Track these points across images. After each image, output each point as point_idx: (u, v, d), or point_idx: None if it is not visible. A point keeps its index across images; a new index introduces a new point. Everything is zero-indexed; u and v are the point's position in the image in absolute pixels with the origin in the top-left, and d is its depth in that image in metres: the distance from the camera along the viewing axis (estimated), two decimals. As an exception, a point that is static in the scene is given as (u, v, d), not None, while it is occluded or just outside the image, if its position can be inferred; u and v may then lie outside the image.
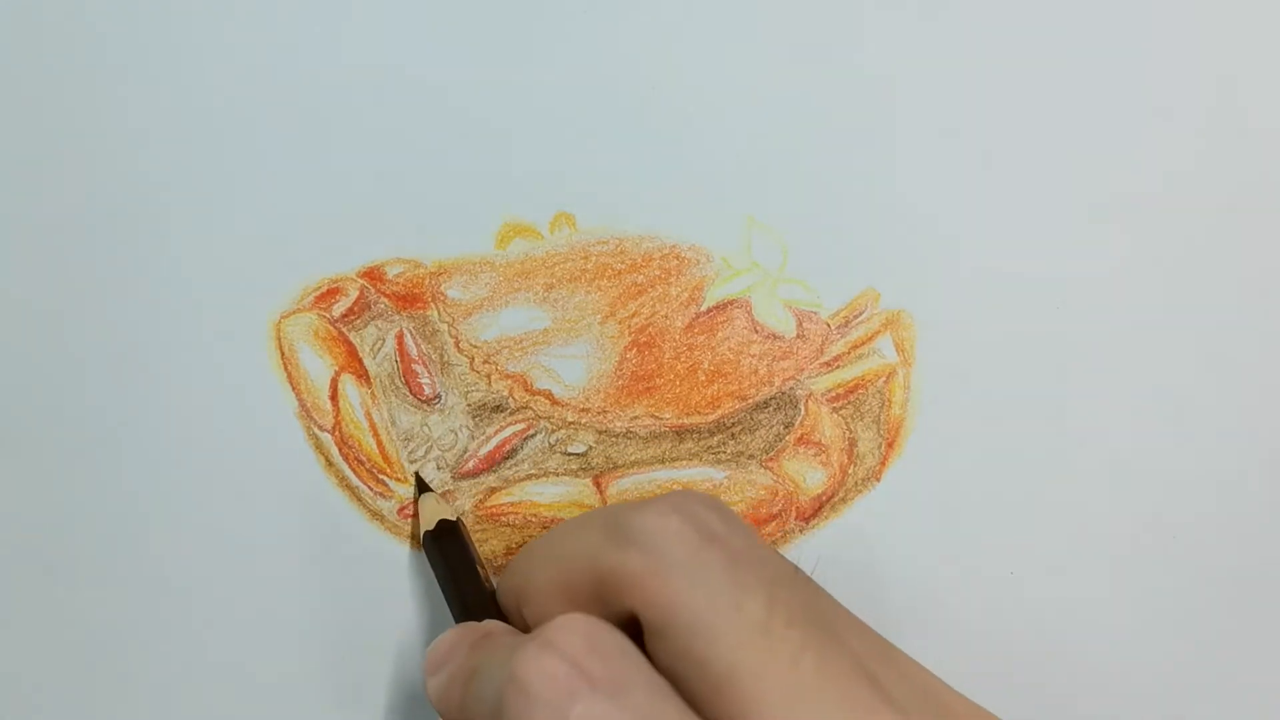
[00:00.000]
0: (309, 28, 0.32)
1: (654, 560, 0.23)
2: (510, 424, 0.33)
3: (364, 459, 0.32)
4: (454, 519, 0.31)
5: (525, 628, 0.27)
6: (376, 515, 0.32)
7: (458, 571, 0.30)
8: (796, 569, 0.25)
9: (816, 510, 0.33)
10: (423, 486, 0.32)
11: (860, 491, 0.33)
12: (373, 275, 0.33)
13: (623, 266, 0.33)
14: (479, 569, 0.30)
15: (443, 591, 0.30)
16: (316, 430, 0.32)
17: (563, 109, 0.33)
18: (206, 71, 0.32)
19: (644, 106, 0.33)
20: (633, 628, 0.24)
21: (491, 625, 0.27)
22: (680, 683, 0.23)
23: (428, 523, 0.31)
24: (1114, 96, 0.33)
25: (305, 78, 0.32)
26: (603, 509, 0.27)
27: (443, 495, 0.32)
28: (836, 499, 0.33)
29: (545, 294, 0.33)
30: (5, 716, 0.32)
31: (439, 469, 0.32)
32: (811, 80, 0.33)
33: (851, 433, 0.33)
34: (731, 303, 0.33)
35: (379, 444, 0.32)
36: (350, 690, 0.32)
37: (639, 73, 0.33)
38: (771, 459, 0.33)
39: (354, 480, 0.32)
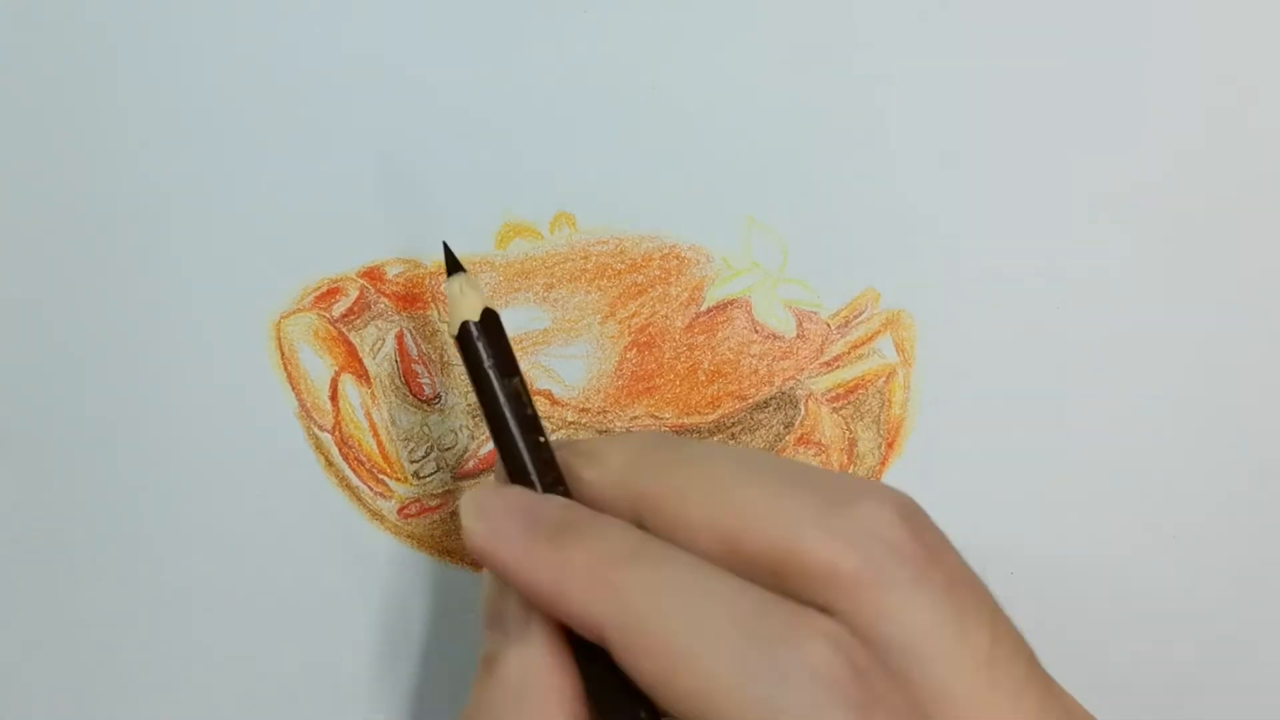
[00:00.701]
0: (309, 27, 0.32)
1: (877, 570, 0.22)
2: (510, 424, 0.33)
3: (364, 459, 0.32)
4: (477, 317, 0.26)
5: (605, 507, 0.24)
6: (376, 515, 0.32)
7: (506, 390, 0.25)
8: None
9: (816, 510, 0.33)
10: (454, 264, 0.27)
11: (860, 491, 0.33)
12: (373, 275, 0.33)
13: (623, 266, 0.33)
14: (523, 391, 0.25)
15: (485, 410, 0.26)
16: (316, 430, 0.32)
17: (563, 109, 0.33)
18: (206, 71, 0.32)
19: (644, 106, 0.33)
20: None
21: (579, 517, 0.23)
22: None
23: (468, 312, 0.26)
24: (1113, 96, 0.33)
25: (305, 78, 0.32)
26: (798, 469, 0.24)
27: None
28: (836, 499, 0.33)
29: (545, 294, 0.33)
30: (5, 717, 0.32)
31: (439, 469, 0.32)
32: (811, 80, 0.33)
33: (851, 433, 0.33)
34: (731, 303, 0.33)
35: (379, 444, 0.32)
36: (351, 690, 0.32)
37: (639, 73, 0.33)
38: (771, 459, 0.33)
39: (354, 480, 0.32)
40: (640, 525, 0.23)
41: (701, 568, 0.22)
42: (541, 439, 0.25)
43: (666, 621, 0.21)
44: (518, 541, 0.23)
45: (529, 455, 0.25)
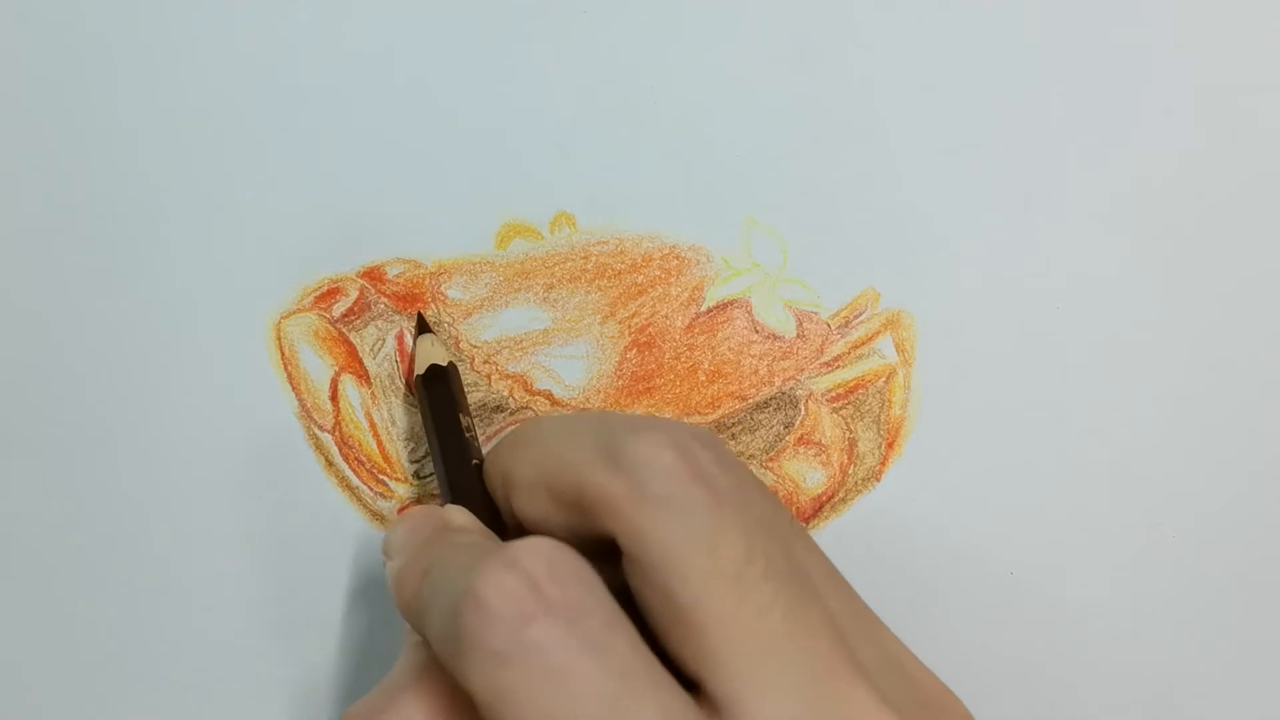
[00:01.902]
0: (309, 27, 0.32)
1: (639, 491, 0.23)
2: (511, 424, 0.33)
3: (364, 459, 0.32)
4: (445, 364, 0.31)
5: (509, 508, 0.27)
6: (377, 515, 0.32)
7: (442, 424, 0.30)
8: (791, 520, 0.25)
9: (816, 510, 0.33)
10: (423, 326, 0.32)
11: (860, 491, 0.33)
12: (373, 275, 0.33)
13: (623, 266, 0.33)
14: (463, 427, 0.30)
15: (428, 442, 0.30)
16: (316, 430, 0.32)
17: (563, 109, 0.33)
18: (206, 72, 0.32)
19: (644, 107, 0.33)
20: (613, 546, 0.24)
21: (453, 515, 0.27)
22: (649, 615, 0.23)
23: (419, 366, 0.31)
24: (1114, 96, 0.33)
25: (305, 78, 0.32)
26: (599, 416, 0.27)
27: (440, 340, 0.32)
28: (836, 499, 0.33)
29: (545, 294, 0.33)
30: (5, 717, 0.32)
31: (439, 469, 0.32)
32: (812, 80, 0.33)
33: (851, 433, 0.33)
34: (731, 303, 0.33)
35: (379, 444, 0.32)
36: (351, 690, 0.32)
37: (639, 73, 0.33)
38: (772, 459, 0.33)
39: (354, 480, 0.32)
40: (510, 501, 0.27)
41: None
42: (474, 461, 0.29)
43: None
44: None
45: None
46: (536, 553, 0.23)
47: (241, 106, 0.32)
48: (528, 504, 0.26)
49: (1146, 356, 0.33)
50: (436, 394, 0.30)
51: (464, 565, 0.23)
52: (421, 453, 0.32)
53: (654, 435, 0.24)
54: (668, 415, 0.33)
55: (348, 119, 0.32)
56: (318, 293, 0.32)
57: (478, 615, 0.22)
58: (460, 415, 0.30)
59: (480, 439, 0.33)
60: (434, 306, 0.33)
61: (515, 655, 0.21)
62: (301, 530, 0.32)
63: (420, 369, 0.31)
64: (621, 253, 0.33)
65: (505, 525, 0.28)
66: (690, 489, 0.23)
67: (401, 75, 0.32)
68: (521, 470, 0.26)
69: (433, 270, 0.33)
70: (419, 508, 0.28)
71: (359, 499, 0.32)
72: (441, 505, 0.28)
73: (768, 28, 0.33)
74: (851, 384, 0.33)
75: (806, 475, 0.33)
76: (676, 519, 0.23)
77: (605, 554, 0.24)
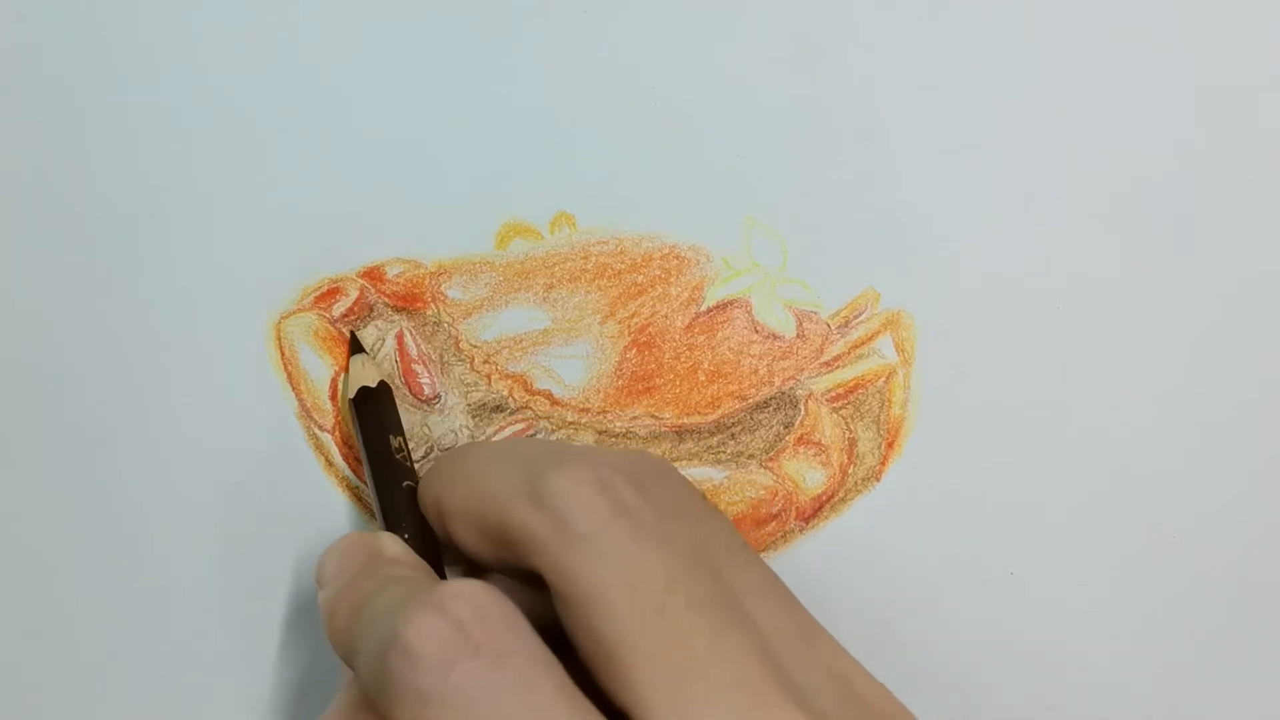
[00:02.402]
0: (309, 27, 0.32)
1: (559, 528, 0.23)
2: (510, 424, 0.33)
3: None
4: (374, 384, 0.31)
5: (444, 532, 0.27)
6: (376, 515, 0.32)
7: (372, 447, 0.30)
8: (729, 538, 0.25)
9: (816, 510, 0.33)
10: (356, 347, 0.32)
11: (860, 491, 0.33)
12: (373, 275, 0.33)
13: (623, 266, 0.33)
14: (393, 449, 0.30)
15: (363, 462, 0.30)
16: (317, 430, 0.32)
17: (563, 109, 0.33)
18: (206, 71, 0.32)
19: (644, 107, 0.33)
20: (541, 580, 0.24)
21: (385, 542, 0.27)
22: (579, 649, 0.23)
23: (350, 389, 0.31)
24: (1113, 96, 0.33)
25: (305, 77, 0.32)
26: (523, 448, 0.27)
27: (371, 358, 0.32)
28: (836, 499, 0.33)
29: (545, 294, 0.33)
30: (5, 717, 0.32)
31: (439, 469, 0.32)
32: (812, 80, 0.33)
33: (851, 433, 0.33)
34: (731, 303, 0.33)
35: (379, 444, 0.32)
36: (350, 690, 0.32)
37: (639, 73, 0.33)
38: (771, 459, 0.33)
39: (354, 480, 0.32)
40: (445, 527, 0.27)
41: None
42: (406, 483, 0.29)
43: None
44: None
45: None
46: (463, 597, 0.23)
47: (242, 106, 0.32)
48: (460, 532, 0.26)
49: (1146, 356, 0.33)
50: (366, 416, 0.30)
51: (393, 606, 0.23)
52: (421, 453, 0.32)
53: (574, 470, 0.24)
54: (667, 415, 0.33)
55: (348, 119, 0.32)
56: (318, 293, 0.32)
57: (405, 659, 0.22)
58: (391, 437, 0.30)
59: (481, 439, 0.33)
60: (434, 306, 0.33)
61: (442, 696, 0.22)
62: (302, 530, 0.32)
63: (351, 392, 0.31)
64: (621, 253, 0.33)
65: (439, 548, 0.28)
66: (610, 524, 0.23)
67: (402, 75, 0.32)
68: (451, 500, 0.26)
69: (433, 270, 0.33)
70: (353, 534, 0.28)
71: (359, 499, 0.32)
72: (376, 531, 0.28)
73: (768, 28, 0.33)
74: (851, 384, 0.33)
75: (806, 475, 0.33)
76: (597, 555, 0.23)
77: (537, 583, 0.24)
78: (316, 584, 0.27)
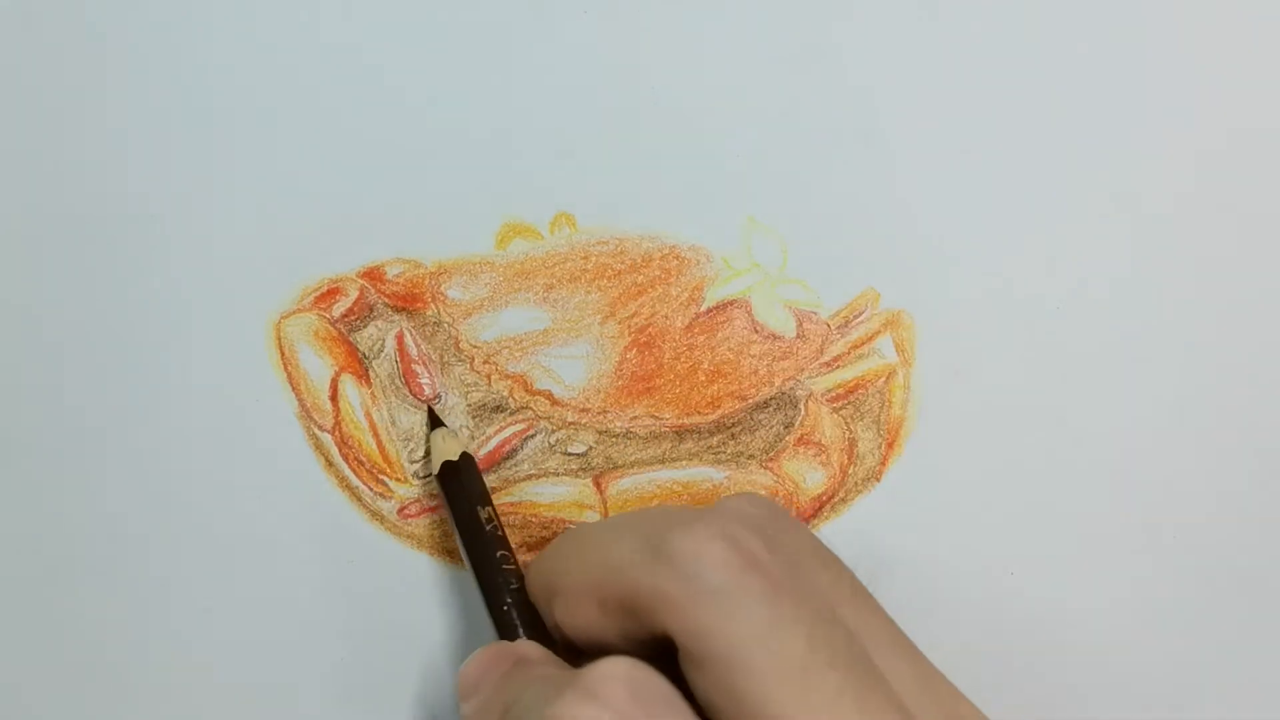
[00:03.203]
0: (309, 28, 0.32)
1: (692, 586, 0.23)
2: (510, 424, 0.33)
3: (364, 459, 0.32)
4: (457, 458, 0.31)
5: (553, 620, 0.27)
6: (376, 515, 0.32)
7: (464, 521, 0.30)
8: (851, 583, 0.25)
9: (816, 510, 0.33)
10: (435, 421, 0.32)
11: (860, 491, 0.33)
12: (373, 275, 0.33)
13: (623, 266, 0.33)
14: (483, 520, 0.30)
15: (455, 537, 0.30)
16: (316, 430, 0.32)
17: (563, 109, 0.33)
18: (206, 72, 0.32)
19: (644, 107, 0.33)
20: (669, 645, 0.24)
21: (526, 649, 0.27)
22: (714, 711, 0.23)
23: (434, 465, 0.31)
24: (1113, 97, 0.33)
25: (305, 78, 0.32)
26: (643, 517, 0.27)
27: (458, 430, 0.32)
28: (836, 499, 0.33)
29: (545, 294, 0.33)
30: (5, 717, 0.32)
31: (439, 469, 0.32)
32: (812, 80, 0.33)
33: (851, 433, 0.33)
34: (731, 303, 0.33)
35: (379, 444, 0.32)
36: (352, 689, 0.32)
37: (639, 73, 0.33)
38: (771, 459, 0.33)
39: (354, 480, 0.32)
40: (551, 613, 0.27)
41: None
42: (507, 566, 0.29)
43: None
44: None
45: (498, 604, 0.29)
46: (615, 678, 0.22)
47: (241, 107, 0.32)
48: (572, 613, 0.26)
49: (1146, 356, 0.33)
50: (453, 491, 0.30)
51: (543, 698, 0.23)
52: (421, 453, 0.32)
53: (701, 529, 0.24)
54: (667, 415, 0.33)
55: (348, 119, 0.32)
56: (318, 293, 0.32)
57: None
58: (480, 509, 0.30)
59: (481, 439, 0.33)
60: (434, 306, 0.33)
61: None
62: (301, 530, 0.32)
63: (435, 468, 0.31)
64: (621, 253, 0.33)
65: (552, 639, 0.28)
66: (744, 579, 0.23)
67: (402, 75, 0.32)
68: (567, 579, 0.26)
69: (433, 270, 0.33)
70: (493, 645, 0.27)
71: (359, 499, 0.32)
72: (490, 615, 0.28)
73: (768, 28, 0.33)
74: (851, 384, 0.33)
75: (806, 475, 0.33)
76: (734, 612, 0.23)
77: (658, 656, 0.24)
78: (459, 697, 0.27)
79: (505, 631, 0.28)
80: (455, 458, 0.31)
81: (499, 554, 0.29)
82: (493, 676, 0.26)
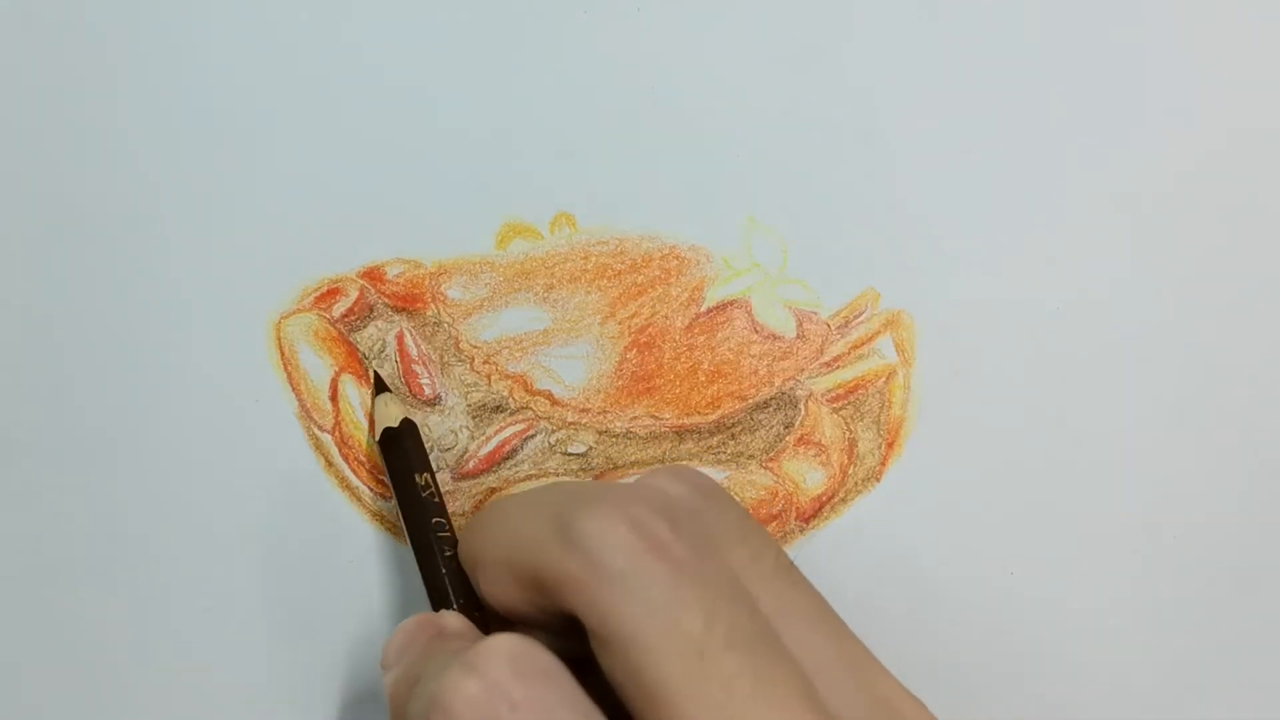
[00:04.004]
0: (309, 28, 0.32)
1: (594, 569, 0.23)
2: (510, 424, 0.33)
3: (364, 459, 0.32)
4: (397, 424, 0.31)
5: (480, 591, 0.27)
6: (376, 516, 0.32)
7: (402, 485, 0.30)
8: (775, 559, 0.25)
9: (816, 510, 0.33)
10: (380, 386, 0.32)
11: (860, 491, 0.33)
12: (373, 275, 0.33)
13: (623, 266, 0.33)
14: (420, 487, 0.30)
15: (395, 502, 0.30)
16: (316, 431, 0.32)
17: (563, 109, 0.33)
18: (206, 72, 0.32)
19: (644, 107, 0.33)
20: (580, 623, 0.24)
21: (447, 621, 0.27)
22: (619, 690, 0.23)
23: (375, 431, 0.31)
24: (1113, 97, 0.33)
25: (305, 78, 0.32)
26: (556, 490, 0.27)
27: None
28: (836, 499, 0.33)
29: (545, 294, 0.33)
30: (5, 717, 0.32)
31: (439, 469, 0.32)
32: (811, 80, 0.33)
33: (851, 433, 0.33)
34: (731, 303, 0.33)
35: (379, 444, 0.32)
36: (350, 690, 0.32)
37: (639, 73, 0.33)
38: (771, 459, 0.33)
39: (354, 481, 0.32)
40: (477, 581, 0.27)
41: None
42: (442, 533, 0.29)
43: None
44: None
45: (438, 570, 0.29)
46: (499, 654, 0.23)
47: (241, 107, 0.32)
48: (492, 585, 0.26)
49: (1146, 356, 0.33)
50: (393, 456, 0.30)
51: (435, 672, 0.23)
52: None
53: (605, 509, 0.24)
54: (667, 415, 0.33)
55: (348, 119, 0.32)
56: (318, 293, 0.32)
57: None
58: (416, 474, 0.30)
59: (481, 439, 0.33)
60: (434, 306, 0.33)
61: None
62: (301, 531, 0.32)
63: (376, 434, 0.31)
64: (621, 253, 0.33)
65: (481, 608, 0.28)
66: (645, 562, 0.23)
67: (402, 75, 0.32)
68: (486, 552, 0.26)
69: (433, 270, 0.33)
70: (416, 617, 0.28)
71: (359, 499, 0.32)
72: (425, 585, 0.28)
73: (768, 28, 0.33)
74: (851, 384, 0.33)
75: (806, 475, 0.33)
76: (634, 594, 0.23)
77: (575, 631, 0.24)
78: (381, 668, 0.27)
79: (438, 598, 0.28)
80: (396, 424, 0.31)
81: (434, 520, 0.29)
82: (414, 649, 0.26)
